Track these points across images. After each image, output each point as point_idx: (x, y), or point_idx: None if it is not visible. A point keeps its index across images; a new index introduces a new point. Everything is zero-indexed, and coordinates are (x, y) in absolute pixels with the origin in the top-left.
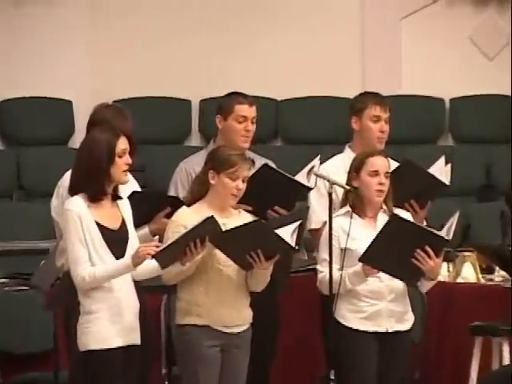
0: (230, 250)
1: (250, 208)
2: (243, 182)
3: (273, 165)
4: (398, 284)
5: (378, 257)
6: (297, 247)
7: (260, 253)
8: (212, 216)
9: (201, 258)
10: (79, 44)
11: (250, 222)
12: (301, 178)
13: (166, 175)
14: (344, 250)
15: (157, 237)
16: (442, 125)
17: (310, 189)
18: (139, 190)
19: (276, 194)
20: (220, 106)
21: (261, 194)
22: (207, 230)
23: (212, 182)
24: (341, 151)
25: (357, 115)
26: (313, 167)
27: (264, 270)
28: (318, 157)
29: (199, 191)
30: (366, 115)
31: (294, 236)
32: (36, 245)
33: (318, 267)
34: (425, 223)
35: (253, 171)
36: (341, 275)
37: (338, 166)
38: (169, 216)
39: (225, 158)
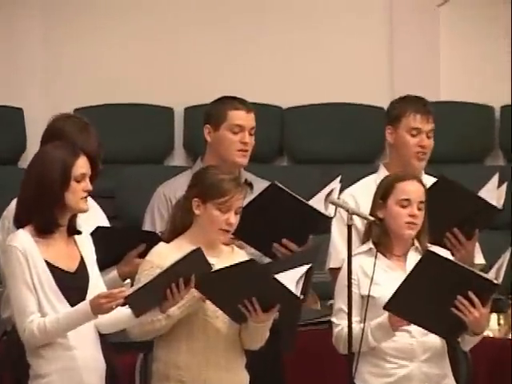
0: (218, 297)
1: (245, 245)
2: (236, 214)
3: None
4: (434, 340)
5: (407, 305)
6: (302, 296)
7: (255, 302)
8: (199, 248)
9: (176, 317)
10: (32, 41)
11: (242, 262)
12: (317, 203)
13: (142, 203)
14: (367, 298)
15: (128, 281)
16: (490, 139)
17: (328, 218)
18: (106, 220)
19: (285, 224)
20: (209, 114)
21: (265, 222)
22: (193, 267)
23: (196, 211)
24: (362, 173)
25: (392, 125)
26: (331, 191)
27: (260, 323)
28: (339, 178)
29: (182, 222)
30: (404, 126)
31: (301, 282)
32: None
33: (334, 319)
34: (480, 259)
35: (254, 196)
36: (362, 329)
37: (369, 189)
38: (143, 255)
39: (214, 183)
